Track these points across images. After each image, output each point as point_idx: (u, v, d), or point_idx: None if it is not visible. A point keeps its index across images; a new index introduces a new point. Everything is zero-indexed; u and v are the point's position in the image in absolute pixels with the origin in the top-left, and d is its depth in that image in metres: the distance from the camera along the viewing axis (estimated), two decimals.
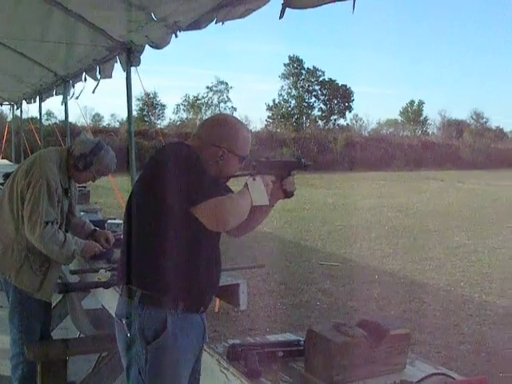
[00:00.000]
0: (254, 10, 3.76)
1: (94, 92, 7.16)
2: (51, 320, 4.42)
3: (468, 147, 53.63)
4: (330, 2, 3.17)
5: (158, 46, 5.32)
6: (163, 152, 2.64)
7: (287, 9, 3.39)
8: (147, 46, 5.72)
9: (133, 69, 6.15)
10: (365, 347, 2.18)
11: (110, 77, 6.78)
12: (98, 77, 7.16)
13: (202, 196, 2.44)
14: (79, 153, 4.09)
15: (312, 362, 2.19)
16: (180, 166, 2.47)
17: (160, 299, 2.49)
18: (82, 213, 5.58)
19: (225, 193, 2.70)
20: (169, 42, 5.15)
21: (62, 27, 6.31)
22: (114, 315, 3.57)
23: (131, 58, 6.01)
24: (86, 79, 7.72)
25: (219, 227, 2.53)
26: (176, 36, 4.87)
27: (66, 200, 4.10)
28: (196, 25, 4.55)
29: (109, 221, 5.27)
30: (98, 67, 7.05)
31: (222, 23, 4.12)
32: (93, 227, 4.50)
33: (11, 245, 3.97)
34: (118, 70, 6.60)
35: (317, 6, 3.26)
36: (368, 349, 2.19)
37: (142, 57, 5.98)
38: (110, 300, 3.61)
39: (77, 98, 8.58)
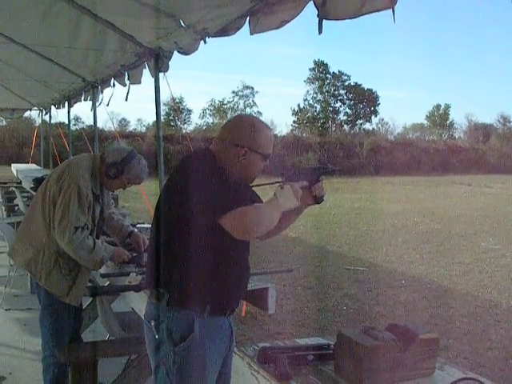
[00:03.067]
0: (289, 21, 3.75)
1: (126, 99, 7.20)
2: (81, 322, 4.48)
3: (495, 151, 53.13)
4: (366, 14, 3.15)
5: (186, 52, 5.37)
6: (187, 163, 2.66)
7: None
8: (175, 52, 5.78)
9: (161, 74, 6.21)
10: (394, 351, 2.19)
11: (139, 82, 6.84)
12: (127, 83, 7.22)
13: (227, 207, 2.46)
14: (111, 161, 4.14)
15: (342, 366, 2.21)
16: (204, 178, 2.51)
17: (188, 302, 2.53)
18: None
19: (252, 200, 2.74)
20: (197, 48, 5.19)
21: (91, 34, 6.39)
22: (143, 318, 3.63)
23: (159, 63, 6.07)
24: (114, 85, 7.79)
25: (245, 236, 2.54)
26: (205, 42, 4.91)
27: (98, 206, 4.15)
28: (224, 31, 4.58)
29: (138, 225, 5.31)
30: (127, 73, 7.12)
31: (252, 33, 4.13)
32: (131, 229, 4.59)
33: (42, 249, 4.03)
34: (144, 75, 6.69)
35: (353, 17, 3.24)
36: (397, 353, 2.20)
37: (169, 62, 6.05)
38: (139, 303, 3.64)
39: (107, 104, 8.65)
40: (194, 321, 2.53)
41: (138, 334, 4.07)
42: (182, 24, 4.97)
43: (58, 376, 4.10)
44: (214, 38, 4.89)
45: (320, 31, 3.45)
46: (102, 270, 4.17)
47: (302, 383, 2.15)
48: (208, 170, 2.54)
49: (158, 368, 2.60)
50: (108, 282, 4.26)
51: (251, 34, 4.08)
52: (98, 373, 3.89)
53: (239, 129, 2.76)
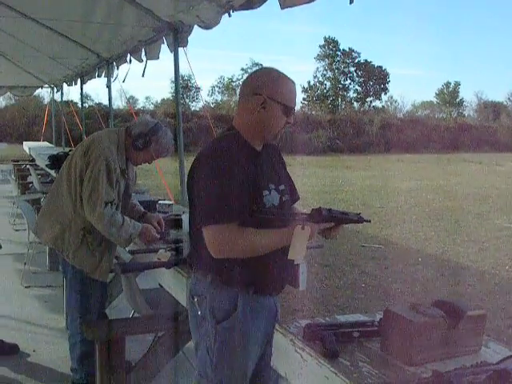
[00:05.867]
0: None
1: (143, 75, 7.12)
2: (107, 299, 4.46)
3: (505, 129, 52.79)
4: None
5: (208, 26, 5.26)
6: (201, 154, 2.55)
7: None
8: (195, 27, 5.69)
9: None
10: (443, 328, 2.14)
11: (157, 58, 6.77)
12: (144, 58, 7.14)
13: (209, 219, 2.39)
14: (138, 132, 4.05)
15: (390, 343, 2.16)
16: (207, 176, 2.43)
17: (232, 280, 2.48)
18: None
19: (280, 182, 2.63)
20: (219, 22, 5.08)
21: (108, 8, 6.32)
22: (172, 295, 3.59)
23: (179, 38, 5.98)
24: (130, 61, 7.71)
25: (214, 255, 2.43)
26: (229, 15, 4.80)
27: (123, 181, 4.08)
28: (249, 4, 4.48)
29: (160, 201, 5.27)
30: (144, 48, 7.04)
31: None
32: (143, 210, 4.48)
33: (69, 225, 3.99)
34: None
35: None
36: (446, 330, 2.15)
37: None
38: (169, 280, 3.61)
39: (123, 81, 8.58)
40: (237, 299, 2.48)
41: (165, 311, 4.07)
42: None
43: (86, 353, 4.09)
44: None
45: (351, 1, 3.39)
46: (130, 247, 4.12)
47: (350, 360, 2.10)
48: (216, 166, 2.43)
49: (198, 345, 2.57)
50: (131, 258, 4.21)
51: (282, 8, 3.93)
52: (125, 350, 3.86)
53: (258, 77, 2.63)
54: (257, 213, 2.42)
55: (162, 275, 3.69)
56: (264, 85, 2.54)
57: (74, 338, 4.15)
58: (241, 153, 2.50)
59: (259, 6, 4.40)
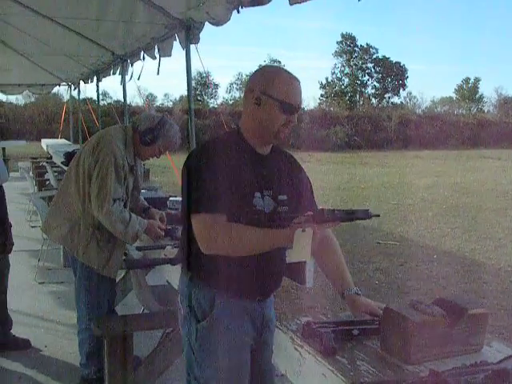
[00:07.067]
0: None
1: (158, 73, 7.09)
2: (115, 296, 4.48)
3: None
4: None
5: (218, 22, 5.24)
6: (197, 149, 2.51)
7: None
8: (206, 24, 5.68)
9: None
10: (443, 326, 2.12)
11: (170, 55, 6.77)
12: (157, 56, 7.16)
13: (198, 206, 2.29)
14: (145, 127, 4.08)
15: (389, 341, 2.15)
16: (193, 170, 2.37)
17: (210, 280, 2.43)
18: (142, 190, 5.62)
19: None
20: (229, 19, 5.05)
21: (120, 6, 6.37)
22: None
23: (190, 35, 5.98)
24: (144, 58, 7.74)
25: (201, 247, 2.33)
26: (238, 12, 4.78)
27: (131, 177, 4.11)
28: (259, 0, 4.46)
29: (171, 198, 5.29)
30: (157, 46, 7.06)
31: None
32: (147, 205, 4.51)
33: (78, 222, 4.02)
34: (173, 48, 6.62)
35: None
36: (446, 328, 2.13)
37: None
38: (175, 276, 3.61)
39: (138, 78, 8.58)
40: (214, 300, 2.43)
41: (173, 307, 4.08)
42: None
43: (94, 349, 4.12)
44: (246, 9, 4.77)
45: None
46: (137, 243, 4.14)
47: (348, 358, 2.09)
48: (204, 159, 2.36)
49: (184, 343, 2.55)
50: (142, 255, 4.23)
51: (291, 4, 3.88)
52: (133, 346, 3.88)
53: (254, 75, 2.53)
54: (250, 213, 2.36)
55: (170, 272, 3.71)
56: (257, 81, 2.45)
57: (82, 334, 4.18)
58: (234, 149, 2.42)
59: (268, 2, 4.36)
